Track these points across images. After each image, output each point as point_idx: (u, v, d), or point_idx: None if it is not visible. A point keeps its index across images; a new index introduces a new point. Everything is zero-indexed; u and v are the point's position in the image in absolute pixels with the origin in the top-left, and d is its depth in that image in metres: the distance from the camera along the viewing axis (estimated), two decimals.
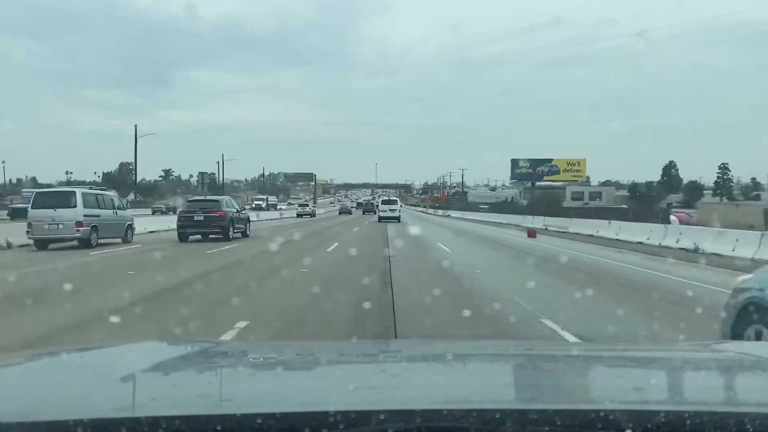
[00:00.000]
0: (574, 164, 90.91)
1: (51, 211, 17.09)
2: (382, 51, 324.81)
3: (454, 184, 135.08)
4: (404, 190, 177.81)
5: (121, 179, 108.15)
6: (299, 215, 56.35)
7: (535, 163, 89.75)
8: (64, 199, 17.43)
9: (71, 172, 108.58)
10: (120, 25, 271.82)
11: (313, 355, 2.16)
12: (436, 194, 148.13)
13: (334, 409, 1.16)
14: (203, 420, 1.14)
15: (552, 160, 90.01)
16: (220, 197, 24.70)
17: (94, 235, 17.65)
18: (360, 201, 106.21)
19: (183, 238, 20.60)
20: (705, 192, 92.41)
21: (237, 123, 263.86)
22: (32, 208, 17.51)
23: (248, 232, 22.72)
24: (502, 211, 57.48)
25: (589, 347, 3.03)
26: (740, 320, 4.08)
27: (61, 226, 17.01)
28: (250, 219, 24.22)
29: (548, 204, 59.90)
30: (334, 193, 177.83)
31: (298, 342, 4.88)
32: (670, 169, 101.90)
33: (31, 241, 17.43)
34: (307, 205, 66.00)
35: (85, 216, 17.31)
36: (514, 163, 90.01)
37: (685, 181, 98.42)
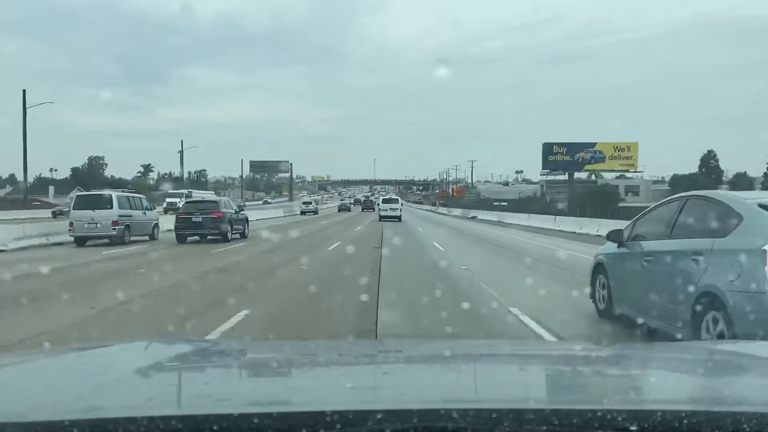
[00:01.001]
0: (623, 149, 67.29)
1: (90, 212, 19.40)
2: (380, 48, 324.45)
3: (457, 180, 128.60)
4: (404, 186, 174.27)
5: (91, 174, 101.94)
6: (303, 212, 58.45)
7: (573, 148, 66.69)
8: (102, 202, 19.69)
9: (55, 169, 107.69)
10: (116, 23, 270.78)
11: (311, 354, 2.16)
12: (437, 190, 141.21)
13: (332, 408, 1.15)
14: (200, 420, 1.14)
15: (595, 144, 67.33)
16: (219, 198, 24.99)
17: (127, 233, 19.81)
18: (358, 198, 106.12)
19: (181, 239, 20.61)
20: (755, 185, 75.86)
21: (235, 121, 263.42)
22: (73, 209, 20.06)
23: (247, 233, 22.61)
24: (534, 211, 44.98)
25: (587, 347, 2.99)
26: (594, 273, 7.72)
27: (99, 225, 19.23)
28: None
29: (600, 202, 46.34)
30: (331, 190, 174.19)
31: (296, 342, 4.91)
32: (708, 159, 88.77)
33: (63, 239, 19.75)
34: (311, 203, 66.76)
35: (119, 216, 19.50)
36: (547, 149, 66.60)
37: (727, 173, 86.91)
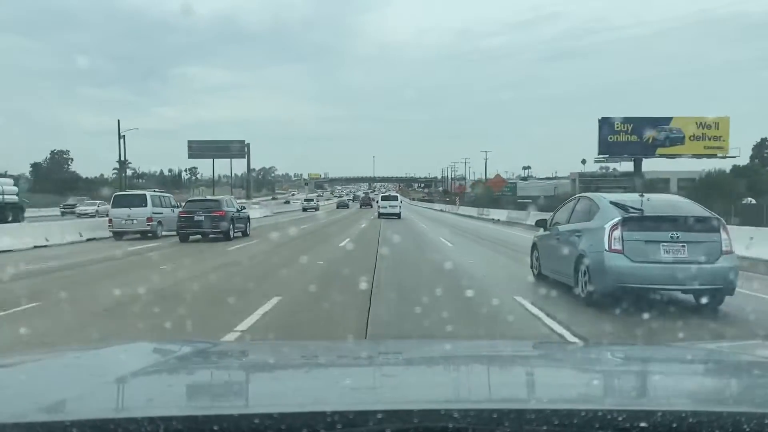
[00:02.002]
0: (709, 126, 48.61)
1: (127, 209, 21.55)
2: (380, 46, 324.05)
3: (456, 176, 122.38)
4: (404, 184, 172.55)
5: (54, 171, 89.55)
6: (305, 209, 61.71)
7: (641, 125, 47.85)
8: (138, 200, 21.92)
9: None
10: (115, 22, 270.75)
11: (311, 355, 2.18)
12: (441, 187, 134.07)
13: (332, 409, 1.17)
14: (201, 420, 1.15)
15: (671, 120, 48.75)
16: (221, 197, 25.46)
17: (160, 228, 21.93)
18: (358, 194, 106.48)
19: (183, 238, 20.82)
20: None
21: (234, 119, 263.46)
22: (112, 207, 22.32)
23: (248, 232, 22.73)
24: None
25: (587, 347, 3.06)
26: (531, 250, 10.68)
27: (135, 222, 21.45)
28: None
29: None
30: (328, 188, 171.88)
31: (296, 342, 4.91)
32: (763, 148, 78.40)
33: (93, 235, 21.96)
34: (312, 200, 69.47)
35: (153, 213, 21.74)
36: (605, 125, 48.06)
37: None
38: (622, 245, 7.55)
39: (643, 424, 1.13)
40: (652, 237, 7.53)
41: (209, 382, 1.73)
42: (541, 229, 10.45)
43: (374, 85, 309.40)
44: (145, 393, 1.55)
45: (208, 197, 27.03)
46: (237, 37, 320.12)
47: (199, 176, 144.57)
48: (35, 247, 18.50)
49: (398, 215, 39.53)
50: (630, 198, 8.41)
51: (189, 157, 76.04)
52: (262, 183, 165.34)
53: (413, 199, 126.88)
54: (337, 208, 70.32)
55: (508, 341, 4.92)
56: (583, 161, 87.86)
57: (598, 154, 50.51)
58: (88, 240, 21.34)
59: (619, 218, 7.69)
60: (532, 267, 10.78)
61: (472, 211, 52.57)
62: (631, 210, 7.79)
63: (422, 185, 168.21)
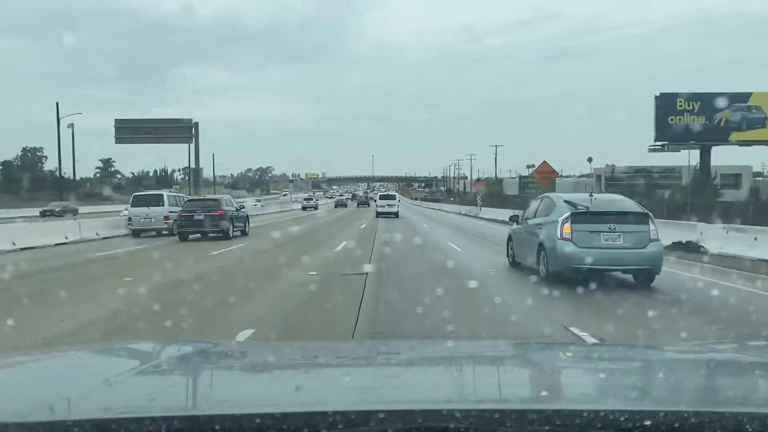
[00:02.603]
0: None
1: (145, 208, 23.00)
2: (379, 46, 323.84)
3: (458, 175, 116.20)
4: (404, 183, 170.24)
5: (26, 169, 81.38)
6: (304, 208, 62.85)
7: (710, 102, 38.42)
8: (155, 200, 23.46)
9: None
10: (113, 23, 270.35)
11: (312, 355, 2.21)
12: (442, 186, 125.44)
13: (333, 409, 1.18)
14: (202, 420, 1.16)
15: (750, 95, 39.17)
16: (220, 196, 25.77)
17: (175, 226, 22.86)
18: (356, 194, 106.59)
19: (183, 237, 21.30)
20: None
21: (233, 120, 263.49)
22: (131, 206, 23.67)
23: (247, 231, 22.98)
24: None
25: (588, 348, 3.05)
26: (507, 241, 12.86)
27: (153, 220, 22.90)
28: None
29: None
30: (325, 188, 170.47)
31: (297, 342, 4.95)
32: None
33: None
34: (311, 199, 70.83)
35: (170, 212, 22.76)
36: (665, 104, 38.98)
37: None
38: (571, 235, 9.64)
39: (644, 425, 1.13)
40: (595, 228, 9.62)
41: (210, 382, 1.74)
42: (515, 224, 12.66)
43: (373, 85, 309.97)
44: (146, 393, 1.56)
45: (208, 197, 27.33)
46: (236, 38, 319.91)
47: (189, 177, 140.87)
48: (56, 244, 19.73)
49: (396, 214, 40.03)
50: (581, 197, 10.68)
51: (117, 142, 55.68)
52: (258, 183, 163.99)
53: (415, 199, 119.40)
54: (336, 207, 71.63)
55: (510, 341, 4.93)
56: (590, 159, 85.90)
57: (655, 140, 40.03)
58: (104, 238, 22.47)
59: (569, 213, 9.80)
60: (507, 255, 12.91)
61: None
62: (579, 207, 9.94)
63: (422, 185, 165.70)
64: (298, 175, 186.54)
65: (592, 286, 8.79)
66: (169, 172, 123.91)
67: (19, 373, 1.77)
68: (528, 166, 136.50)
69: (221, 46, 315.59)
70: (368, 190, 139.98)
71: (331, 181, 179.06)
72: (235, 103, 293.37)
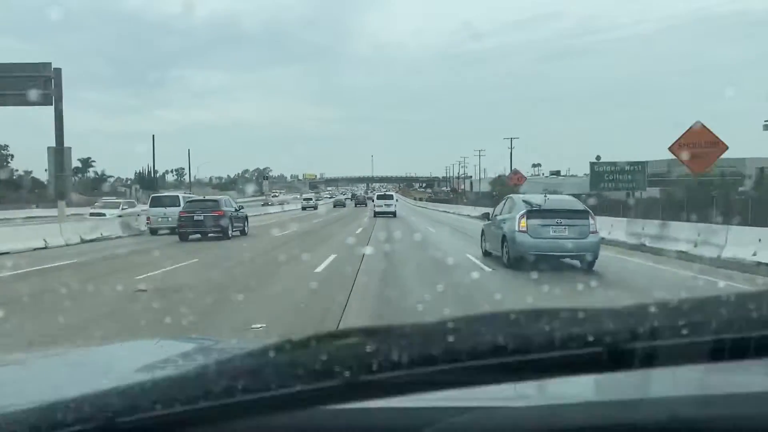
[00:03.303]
0: None
1: (163, 209, 25.07)
2: (378, 46, 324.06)
3: (463, 174, 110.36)
4: (405, 183, 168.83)
5: None
6: (304, 208, 65.32)
7: None
8: (172, 201, 25.51)
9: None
10: (112, 25, 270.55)
11: None
12: (445, 187, 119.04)
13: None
14: (201, 419, 1.17)
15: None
16: (219, 197, 26.96)
17: None
18: (355, 193, 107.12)
19: (183, 237, 22.01)
20: None
21: (232, 121, 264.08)
22: (150, 206, 26.41)
23: (246, 231, 23.39)
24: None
25: None
26: (481, 235, 15.37)
27: (170, 219, 24.36)
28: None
29: None
30: (323, 188, 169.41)
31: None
32: None
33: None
34: (311, 199, 73.41)
35: None
36: None
37: None
38: (527, 228, 12.05)
39: (643, 424, 1.13)
40: (546, 222, 12.06)
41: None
42: (486, 220, 15.25)
43: (372, 86, 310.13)
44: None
45: (208, 197, 27.78)
46: (235, 39, 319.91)
47: (184, 177, 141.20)
48: (93, 239, 22.47)
49: (393, 213, 40.57)
50: (538, 197, 13.19)
51: None
52: (255, 184, 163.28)
53: (420, 199, 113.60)
54: (334, 207, 74.16)
55: None
56: (598, 157, 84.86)
57: None
58: (119, 237, 24.53)
59: (525, 210, 12.26)
60: (481, 247, 15.30)
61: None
62: (534, 205, 12.34)
63: (423, 185, 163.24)
64: (297, 176, 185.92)
65: (550, 269, 11.61)
66: (158, 172, 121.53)
67: (17, 372, 1.80)
68: (533, 165, 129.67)
69: (220, 48, 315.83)
70: (367, 191, 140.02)
71: (330, 182, 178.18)
72: (233, 105, 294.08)
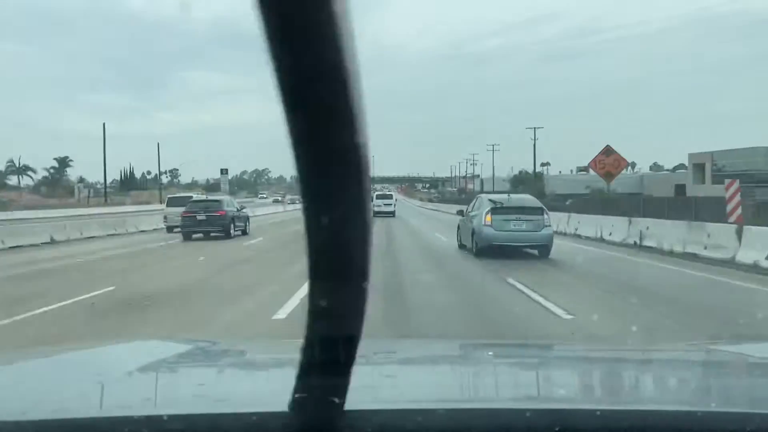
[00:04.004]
0: None
1: (179, 208, 25.70)
2: (378, 47, 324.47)
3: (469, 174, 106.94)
4: (408, 184, 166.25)
5: None
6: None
7: None
8: (186, 201, 26.38)
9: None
10: (112, 27, 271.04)
11: None
12: (452, 187, 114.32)
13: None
14: (198, 419, 1.18)
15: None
16: (222, 197, 27.44)
17: None
18: None
19: (187, 237, 22.69)
20: None
21: (234, 123, 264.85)
22: (167, 206, 28.71)
23: (248, 230, 23.95)
24: None
25: (588, 348, 3.17)
26: (456, 230, 18.09)
27: None
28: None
29: None
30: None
31: (295, 341, 5.28)
32: None
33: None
34: None
35: None
36: None
37: None
38: (491, 222, 14.43)
39: (643, 425, 1.14)
40: (507, 218, 14.43)
41: (208, 381, 1.75)
42: (461, 216, 17.83)
43: (374, 87, 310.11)
44: (144, 391, 1.60)
45: (210, 197, 28.23)
46: (236, 41, 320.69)
47: (178, 179, 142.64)
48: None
49: (393, 213, 41.65)
50: (502, 197, 15.92)
51: None
52: (251, 185, 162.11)
53: (429, 201, 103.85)
54: None
55: (507, 341, 5.06)
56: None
57: None
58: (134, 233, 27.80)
59: (490, 207, 14.69)
60: (457, 240, 17.80)
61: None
62: (497, 203, 14.88)
63: (427, 185, 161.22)
64: (295, 176, 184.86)
65: (512, 256, 14.31)
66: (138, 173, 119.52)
67: (13, 372, 1.80)
68: (543, 164, 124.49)
69: (221, 49, 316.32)
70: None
71: None
72: (235, 107, 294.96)
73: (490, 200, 15.25)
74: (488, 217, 14.39)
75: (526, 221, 14.35)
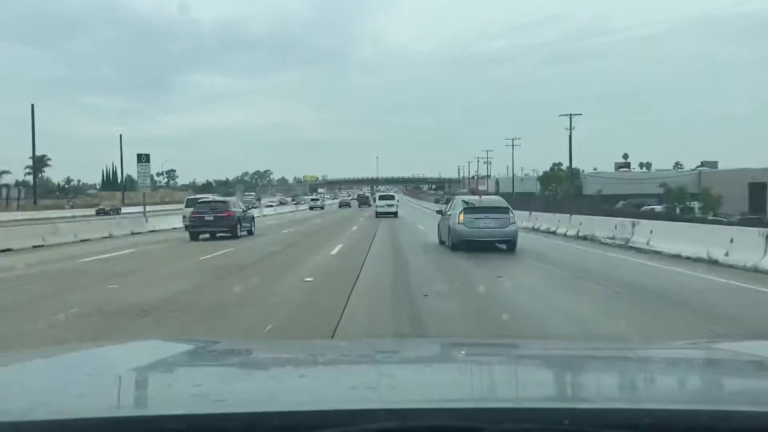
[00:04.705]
0: None
1: None
2: (381, 49, 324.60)
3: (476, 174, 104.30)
4: (413, 185, 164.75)
5: None
6: (311, 208, 71.70)
7: None
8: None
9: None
10: (117, 29, 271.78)
11: (310, 354, 2.30)
12: (464, 189, 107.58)
13: (331, 408, 1.23)
14: (198, 419, 1.19)
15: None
16: (228, 198, 28.74)
17: None
18: (360, 194, 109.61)
19: (194, 237, 23.40)
20: None
21: (238, 126, 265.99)
22: (185, 207, 29.77)
23: (253, 231, 24.67)
24: None
25: (587, 346, 3.19)
26: (437, 227, 20.20)
27: None
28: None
29: None
30: (320, 191, 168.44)
31: (296, 341, 5.12)
32: None
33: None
34: (318, 200, 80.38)
35: None
36: None
37: None
38: (464, 221, 16.70)
39: (643, 424, 1.15)
40: (478, 216, 16.72)
41: (208, 381, 1.76)
42: (440, 215, 20.10)
43: (377, 89, 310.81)
44: (145, 391, 1.62)
45: (217, 198, 28.92)
46: (241, 44, 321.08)
47: (174, 180, 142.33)
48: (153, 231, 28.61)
49: (395, 214, 42.96)
50: (474, 198, 19.15)
51: None
52: (252, 187, 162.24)
53: (435, 201, 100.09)
54: (340, 207, 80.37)
55: (508, 340, 5.12)
56: (625, 156, 77.51)
57: None
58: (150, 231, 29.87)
59: (462, 208, 16.99)
60: (438, 237, 19.91)
61: None
62: (469, 204, 17.26)
63: (433, 186, 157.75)
64: (298, 178, 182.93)
65: (483, 249, 16.53)
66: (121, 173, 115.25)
67: (16, 372, 1.82)
68: (554, 164, 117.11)
69: (225, 52, 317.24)
70: (372, 192, 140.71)
71: (331, 184, 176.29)
72: (239, 109, 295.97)
73: (463, 201, 17.74)
74: (461, 216, 16.76)
75: (494, 219, 16.77)
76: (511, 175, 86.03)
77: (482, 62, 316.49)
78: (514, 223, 17.03)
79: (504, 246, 16.87)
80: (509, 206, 17.62)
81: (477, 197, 19.05)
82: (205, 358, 2.10)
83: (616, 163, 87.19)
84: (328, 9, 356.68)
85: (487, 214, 16.60)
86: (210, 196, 31.16)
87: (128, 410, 1.28)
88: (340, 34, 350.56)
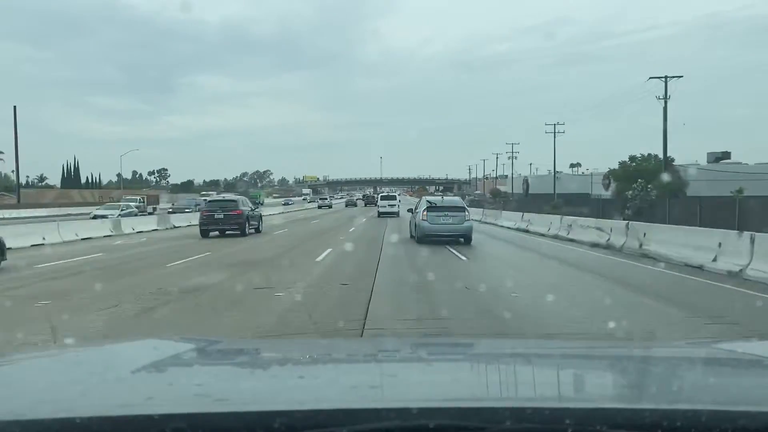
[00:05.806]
0: None
1: None
2: (386, 52, 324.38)
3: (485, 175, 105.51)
4: (420, 186, 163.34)
5: None
6: (320, 207, 77.66)
7: None
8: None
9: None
10: (122, 31, 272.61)
11: (311, 353, 2.34)
12: (478, 191, 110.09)
13: (333, 407, 1.24)
14: (200, 418, 1.19)
15: None
16: (237, 197, 30.18)
17: None
18: (366, 194, 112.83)
19: (204, 234, 24.63)
20: None
21: (242, 127, 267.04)
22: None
23: (261, 229, 27.21)
24: None
25: (587, 346, 3.16)
26: (409, 224, 25.64)
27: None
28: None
29: None
30: (320, 192, 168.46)
31: (296, 340, 5.16)
32: None
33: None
34: (326, 199, 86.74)
35: None
36: None
37: None
38: (427, 218, 20.68)
39: (643, 424, 1.15)
40: (439, 214, 20.68)
41: (209, 380, 1.78)
42: (410, 213, 24.34)
43: (382, 91, 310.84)
44: (145, 391, 1.62)
45: (227, 197, 30.95)
46: (246, 46, 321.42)
47: (166, 180, 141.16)
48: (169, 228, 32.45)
49: (396, 214, 45.01)
50: (437, 198, 23.60)
51: None
52: (250, 187, 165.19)
53: None
54: (346, 206, 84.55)
55: (509, 339, 5.15)
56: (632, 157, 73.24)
57: None
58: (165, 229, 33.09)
59: (426, 206, 21.01)
60: (409, 232, 24.04)
61: None
62: (432, 203, 21.27)
63: (440, 188, 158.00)
64: (298, 178, 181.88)
65: (444, 242, 20.39)
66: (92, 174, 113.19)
67: (18, 372, 1.86)
68: (571, 165, 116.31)
69: (231, 54, 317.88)
70: (376, 193, 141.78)
71: (332, 184, 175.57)
72: (243, 111, 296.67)
73: (427, 201, 21.69)
74: (425, 214, 20.66)
75: (452, 216, 20.55)
76: (545, 173, 77.12)
77: (488, 65, 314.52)
78: (470, 220, 20.97)
79: (462, 239, 20.50)
80: (465, 205, 22.20)
81: (440, 197, 23.56)
82: (207, 357, 2.13)
83: (709, 154, 66.37)
84: (333, 11, 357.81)
85: (446, 212, 20.38)
86: (226, 195, 33.44)
87: (130, 409, 1.29)
88: (345, 37, 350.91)
